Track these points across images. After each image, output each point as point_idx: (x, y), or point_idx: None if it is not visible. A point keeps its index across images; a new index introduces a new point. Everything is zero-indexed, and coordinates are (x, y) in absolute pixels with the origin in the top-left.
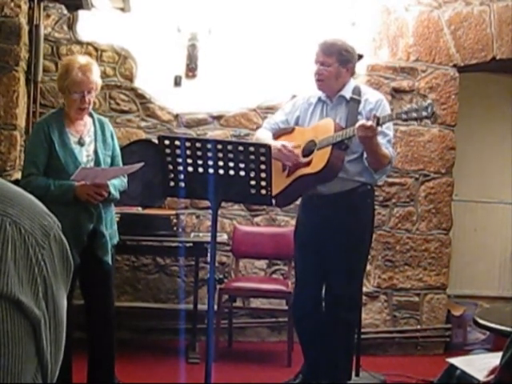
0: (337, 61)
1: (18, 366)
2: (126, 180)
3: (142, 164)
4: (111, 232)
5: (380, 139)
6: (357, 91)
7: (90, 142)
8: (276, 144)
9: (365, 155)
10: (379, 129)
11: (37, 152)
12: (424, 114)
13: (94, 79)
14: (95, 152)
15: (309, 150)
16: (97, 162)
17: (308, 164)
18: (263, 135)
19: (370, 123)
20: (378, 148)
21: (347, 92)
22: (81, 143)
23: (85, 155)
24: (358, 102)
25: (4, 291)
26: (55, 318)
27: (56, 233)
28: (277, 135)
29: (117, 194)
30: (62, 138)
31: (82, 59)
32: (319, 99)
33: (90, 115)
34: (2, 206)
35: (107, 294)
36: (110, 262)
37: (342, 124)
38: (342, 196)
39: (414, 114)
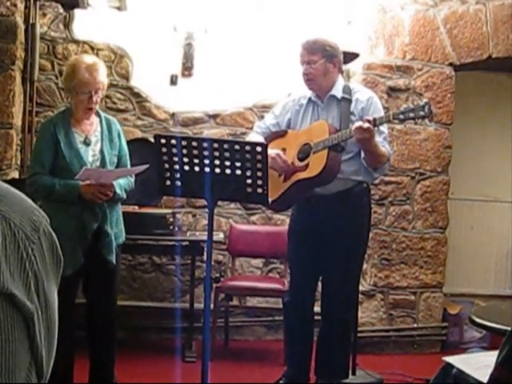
0: (322, 57)
1: (11, 361)
2: (133, 180)
3: (147, 166)
4: (117, 231)
5: (376, 137)
6: (347, 90)
7: (96, 141)
8: (270, 153)
9: (362, 155)
10: (375, 129)
11: (43, 151)
12: (421, 113)
13: (100, 79)
14: (101, 151)
15: (304, 153)
16: (103, 162)
17: (305, 168)
18: (255, 140)
19: (367, 125)
20: (376, 148)
21: (337, 91)
22: (86, 143)
23: (90, 155)
24: (349, 101)
25: None
26: (47, 313)
27: (45, 228)
28: (269, 139)
29: (123, 194)
30: (68, 137)
31: (89, 59)
32: (310, 100)
33: (97, 114)
34: None
35: (110, 293)
36: (114, 261)
37: (335, 124)
38: (339, 196)
39: (411, 114)
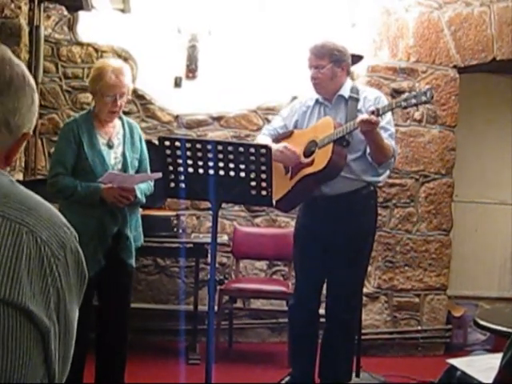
0: (330, 61)
1: (25, 372)
2: (152, 184)
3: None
4: (136, 234)
5: (381, 133)
6: (355, 90)
7: (118, 144)
8: (278, 147)
9: (368, 150)
10: (380, 120)
11: (65, 152)
12: (423, 98)
13: (126, 83)
14: (123, 154)
15: (310, 149)
16: (124, 165)
17: (311, 164)
18: (262, 141)
19: (372, 118)
20: (380, 140)
21: (345, 91)
22: (109, 145)
23: (113, 157)
24: (357, 100)
25: (15, 300)
26: (65, 330)
27: (73, 245)
28: (276, 140)
29: (143, 198)
30: (91, 139)
31: (115, 62)
32: (317, 101)
33: (120, 118)
34: (19, 214)
35: (126, 296)
36: (133, 264)
37: (342, 123)
38: (346, 197)
39: (414, 100)
